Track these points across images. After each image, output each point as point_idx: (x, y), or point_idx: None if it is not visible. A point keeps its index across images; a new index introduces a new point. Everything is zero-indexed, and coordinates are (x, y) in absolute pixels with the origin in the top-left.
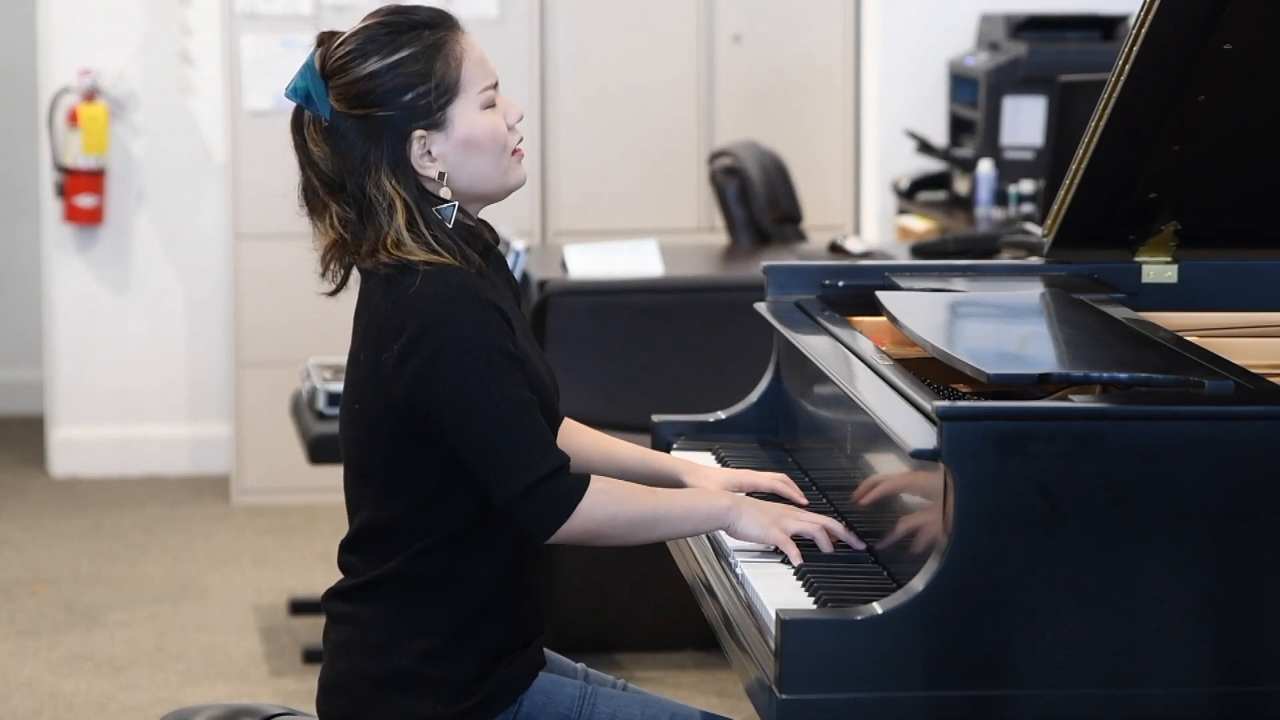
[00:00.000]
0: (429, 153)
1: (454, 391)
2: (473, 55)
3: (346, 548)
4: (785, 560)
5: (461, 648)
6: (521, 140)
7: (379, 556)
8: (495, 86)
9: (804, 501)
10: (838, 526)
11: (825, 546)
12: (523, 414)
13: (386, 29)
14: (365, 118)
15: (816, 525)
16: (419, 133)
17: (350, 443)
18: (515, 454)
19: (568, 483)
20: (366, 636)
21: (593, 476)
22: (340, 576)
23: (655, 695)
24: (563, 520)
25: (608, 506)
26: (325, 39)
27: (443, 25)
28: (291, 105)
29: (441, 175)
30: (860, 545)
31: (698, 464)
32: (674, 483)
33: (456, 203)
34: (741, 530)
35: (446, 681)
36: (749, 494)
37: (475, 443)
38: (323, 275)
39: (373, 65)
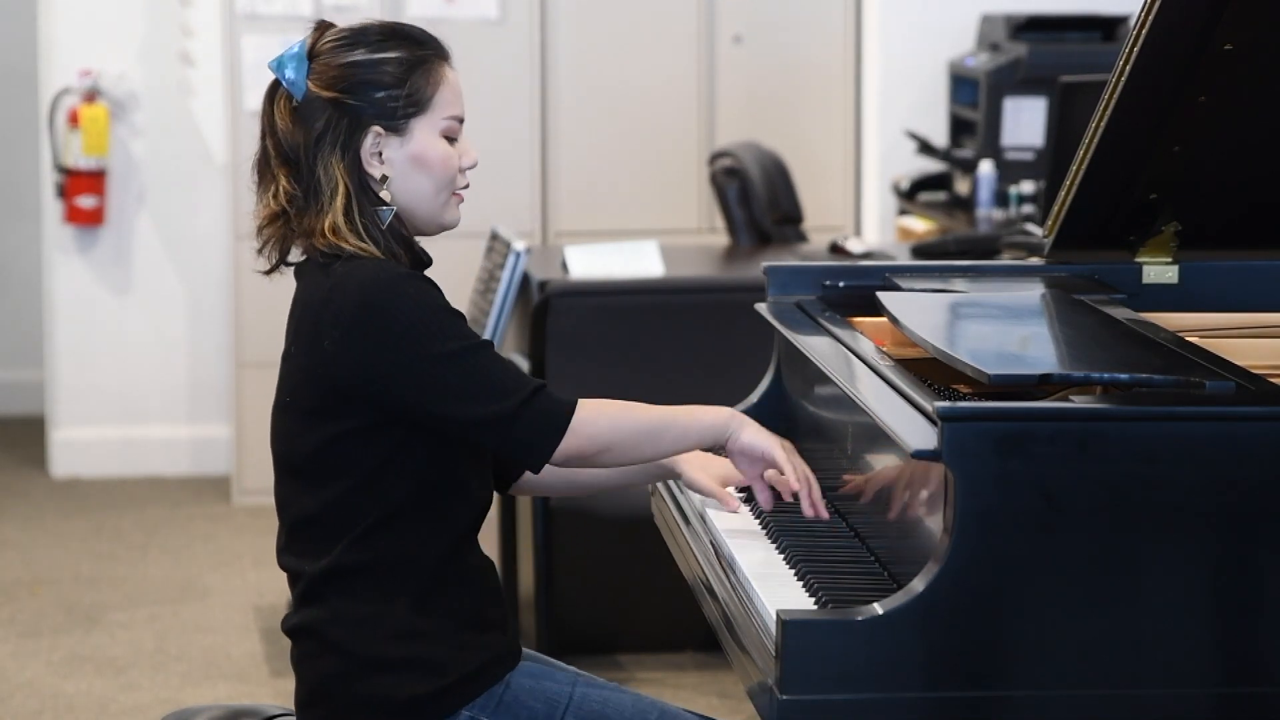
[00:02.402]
0: (379, 154)
1: (408, 355)
2: (450, 84)
3: (283, 550)
4: (786, 561)
5: (423, 626)
6: (467, 187)
7: (315, 552)
8: (461, 121)
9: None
10: (817, 490)
11: (809, 505)
12: (481, 353)
13: (380, 31)
14: (334, 101)
15: (802, 472)
16: (377, 129)
17: (279, 438)
18: (487, 390)
19: (553, 400)
20: (325, 637)
21: (580, 399)
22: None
23: (647, 695)
24: (560, 436)
25: (607, 417)
26: (322, 26)
27: (431, 47)
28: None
29: (384, 179)
30: (826, 515)
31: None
32: (667, 470)
33: (395, 208)
34: (745, 439)
35: (417, 660)
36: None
37: (444, 396)
38: (259, 251)
39: (357, 55)
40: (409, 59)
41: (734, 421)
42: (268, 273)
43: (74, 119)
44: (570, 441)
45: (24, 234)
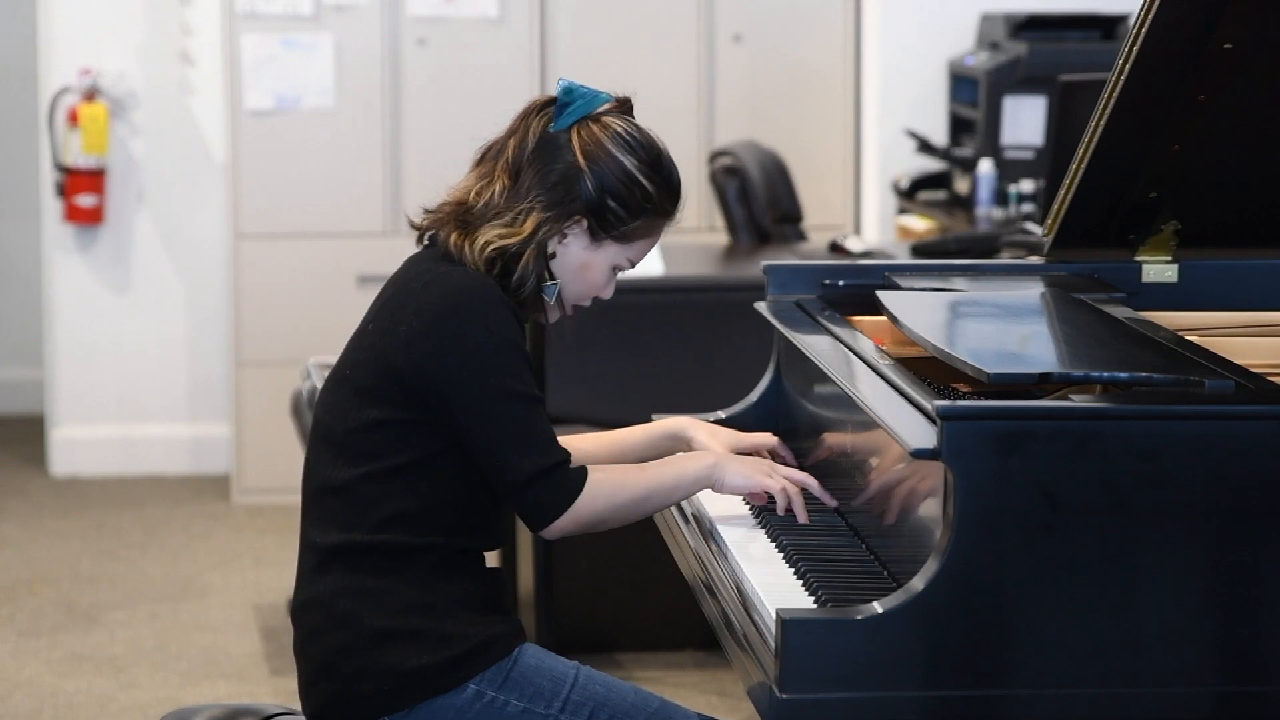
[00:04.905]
0: (566, 235)
1: (469, 376)
2: (655, 240)
3: (304, 516)
4: (784, 557)
5: (430, 601)
6: (575, 311)
7: (333, 524)
8: (633, 265)
9: (791, 462)
10: (814, 483)
11: (799, 511)
12: (529, 406)
13: (659, 161)
14: (576, 169)
15: (793, 481)
16: (585, 222)
17: (326, 407)
18: (521, 443)
19: (570, 476)
20: (333, 610)
21: (589, 467)
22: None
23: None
24: (561, 512)
25: (604, 497)
26: (627, 105)
27: (675, 203)
28: (305, 107)
29: (552, 255)
30: (833, 502)
31: (694, 419)
32: (684, 443)
33: (559, 286)
34: (728, 484)
35: (424, 633)
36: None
37: (482, 428)
38: (427, 213)
39: (623, 158)
40: (655, 203)
41: (715, 470)
42: (415, 226)
43: (73, 118)
44: (565, 522)
45: (24, 233)
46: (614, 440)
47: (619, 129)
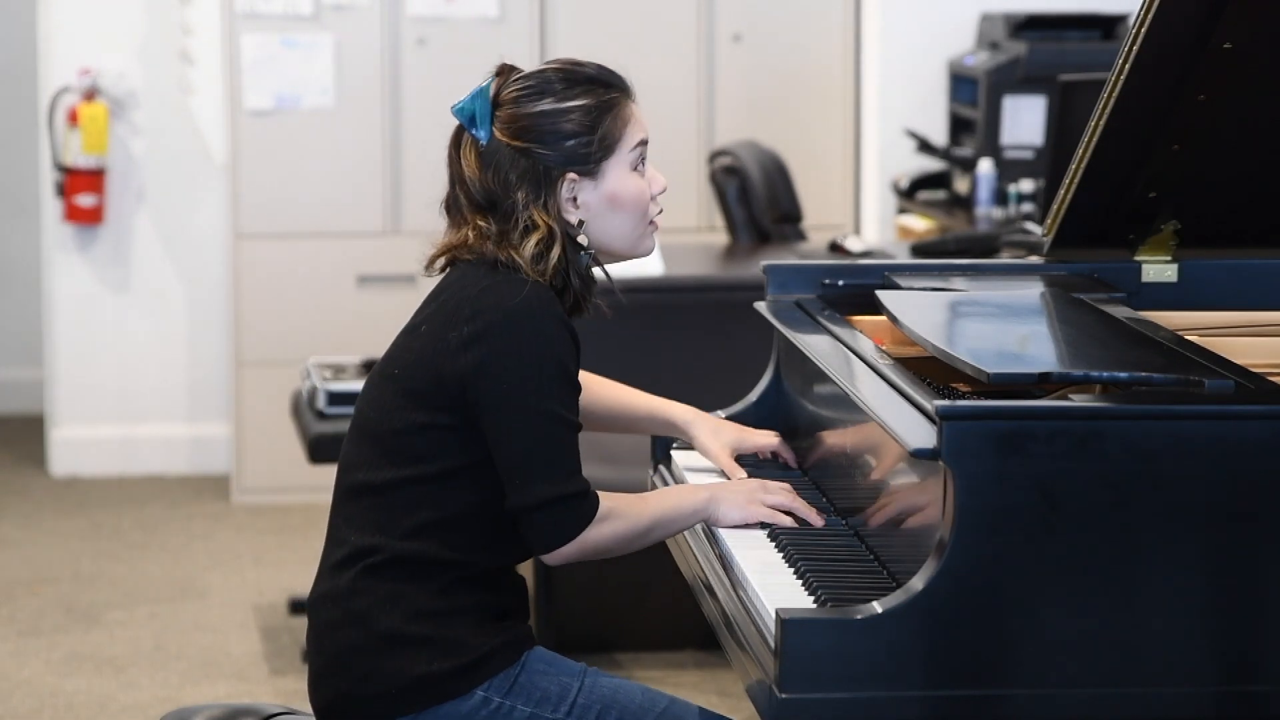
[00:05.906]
0: (574, 199)
1: (508, 390)
2: (635, 120)
3: (335, 508)
4: (784, 557)
5: (444, 608)
6: (661, 212)
7: (364, 524)
8: (645, 145)
9: (793, 465)
10: (802, 507)
11: (810, 517)
12: (563, 431)
13: (565, 76)
14: (524, 151)
15: (789, 496)
16: (571, 176)
17: (371, 402)
18: (544, 466)
19: (582, 509)
20: (349, 608)
21: (601, 499)
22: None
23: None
24: (566, 541)
25: (610, 530)
26: (505, 70)
27: (616, 86)
28: (305, 107)
29: (580, 223)
30: (819, 522)
31: (701, 414)
32: (680, 432)
33: (593, 252)
34: (723, 518)
35: (435, 640)
36: (746, 455)
37: (510, 442)
38: (428, 266)
39: (545, 105)
40: (596, 105)
41: (710, 505)
42: (427, 269)
43: (73, 117)
44: (570, 550)
45: (23, 232)
46: (616, 398)
47: (516, 91)
